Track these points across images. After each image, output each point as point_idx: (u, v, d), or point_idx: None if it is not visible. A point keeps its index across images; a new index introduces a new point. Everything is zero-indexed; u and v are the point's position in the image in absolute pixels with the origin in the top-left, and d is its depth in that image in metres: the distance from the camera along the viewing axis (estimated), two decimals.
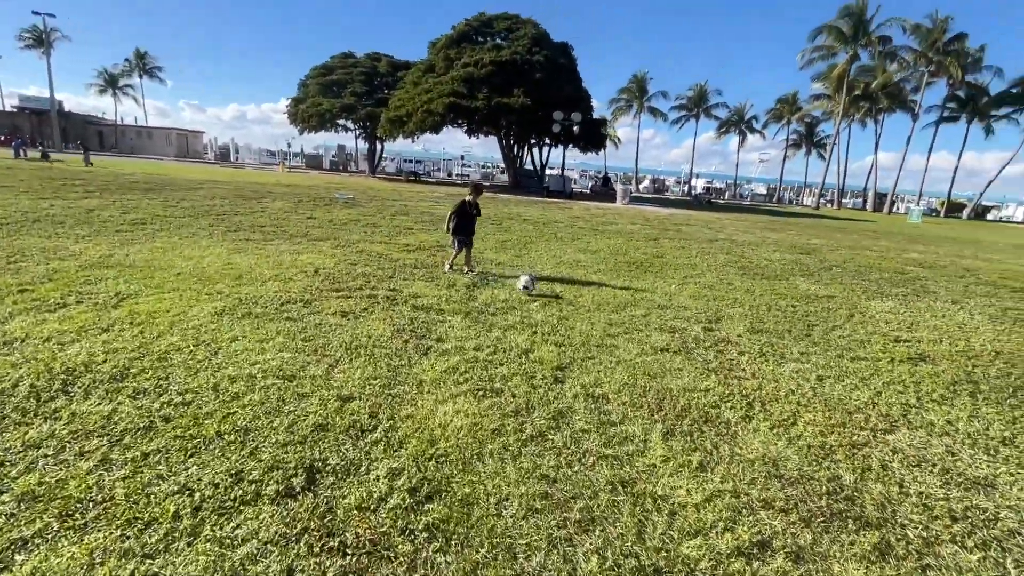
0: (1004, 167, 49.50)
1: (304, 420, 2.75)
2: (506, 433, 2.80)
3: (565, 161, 33.47)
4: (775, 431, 3.07)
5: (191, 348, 3.59)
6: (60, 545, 1.81)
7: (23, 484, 2.09)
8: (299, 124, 38.73)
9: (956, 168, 50.71)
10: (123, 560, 1.76)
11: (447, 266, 6.98)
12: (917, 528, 2.27)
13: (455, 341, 4.18)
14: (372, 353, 3.79)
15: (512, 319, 4.92)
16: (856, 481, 2.60)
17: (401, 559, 1.87)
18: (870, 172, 55.02)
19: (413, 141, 31.95)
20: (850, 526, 2.26)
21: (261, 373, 3.27)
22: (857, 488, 2.54)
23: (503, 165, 65.04)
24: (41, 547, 1.80)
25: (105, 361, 3.27)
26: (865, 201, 57.26)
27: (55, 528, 1.88)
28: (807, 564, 2.01)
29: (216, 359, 3.44)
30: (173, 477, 2.21)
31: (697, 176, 68.70)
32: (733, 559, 2.01)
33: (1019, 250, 16.55)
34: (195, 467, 2.29)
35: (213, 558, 1.80)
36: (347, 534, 1.96)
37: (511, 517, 2.14)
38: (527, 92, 27.11)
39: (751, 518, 2.26)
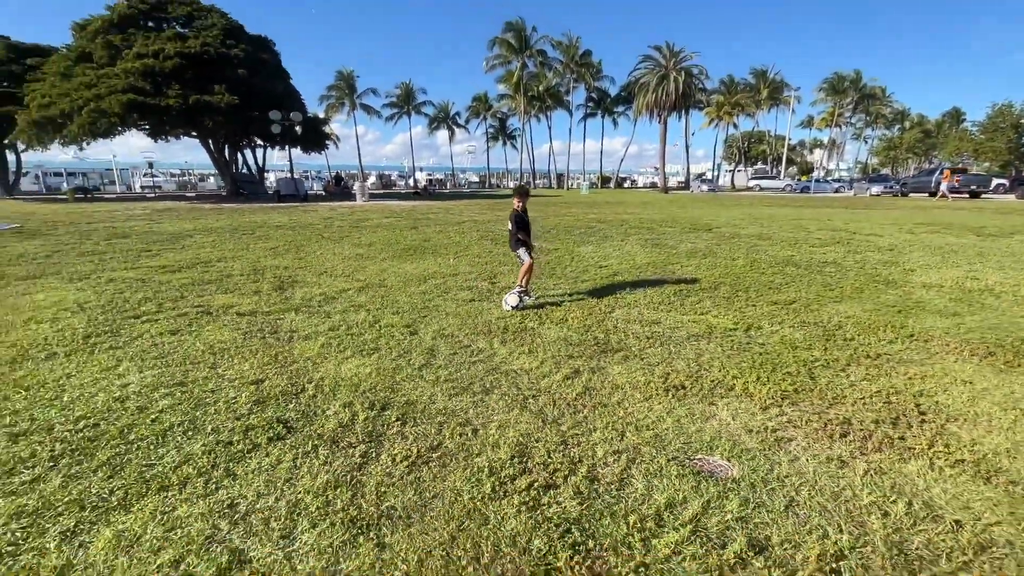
0: (627, 148, 69.11)
1: (242, 401, 3.16)
2: (405, 371, 3.77)
3: (291, 162, 31.50)
4: (559, 325, 4.86)
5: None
6: None
7: None
8: None
9: (601, 151, 68.14)
10: None
11: (528, 294, 5.71)
12: (640, 347, 4.30)
13: (308, 329, 4.73)
14: (241, 347, 4.10)
15: (341, 306, 5.60)
16: (607, 335, 4.55)
17: (394, 438, 2.78)
18: (549, 157, 68.79)
19: (80, 149, 25.07)
20: (611, 356, 4.12)
21: (136, 393, 3.35)
22: (614, 339, 4.48)
23: (203, 172, 56.01)
24: None
25: None
26: (551, 181, 71.29)
27: None
28: (607, 379, 3.74)
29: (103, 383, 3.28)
30: None
31: (420, 170, 73.12)
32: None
33: (644, 205, 24.31)
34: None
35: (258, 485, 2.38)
36: (343, 434, 2.74)
37: (447, 398, 3.23)
38: (232, 90, 24.59)
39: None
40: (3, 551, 1.90)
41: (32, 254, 8.92)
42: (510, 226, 5.64)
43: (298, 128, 27.82)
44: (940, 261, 7.93)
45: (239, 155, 36.43)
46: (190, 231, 12.62)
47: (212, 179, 52.36)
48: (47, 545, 1.93)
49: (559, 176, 69.50)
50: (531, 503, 2.21)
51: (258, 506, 2.17)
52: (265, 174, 41.26)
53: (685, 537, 2.01)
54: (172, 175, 59.95)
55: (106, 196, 34.48)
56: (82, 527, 2.03)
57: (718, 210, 20.35)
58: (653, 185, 66.52)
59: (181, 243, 10.48)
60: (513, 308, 5.34)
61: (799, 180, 54.91)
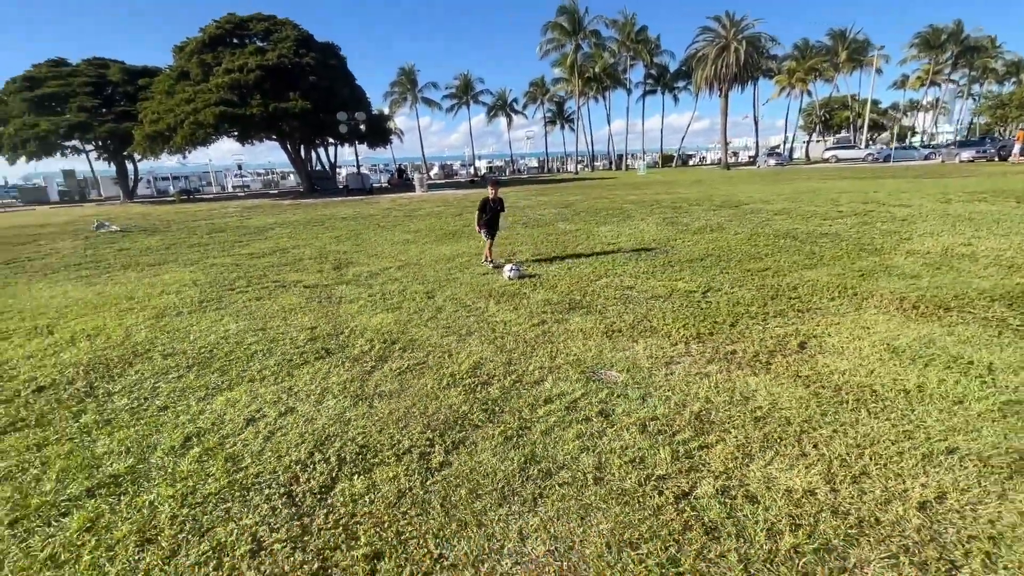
0: (689, 124, 66.68)
1: (300, 338, 4.60)
2: (415, 321, 5.07)
3: (358, 158, 34.23)
4: (548, 291, 5.95)
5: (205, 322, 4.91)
6: None
7: None
8: (6, 153, 31.11)
9: (661, 128, 66.38)
10: None
11: (490, 262, 7.41)
12: (605, 305, 5.31)
13: (353, 295, 6.16)
14: (304, 307, 5.59)
15: (381, 280, 7.01)
16: (583, 297, 5.59)
17: (395, 359, 4.07)
18: (608, 138, 68.10)
19: (184, 157, 28.99)
20: (577, 312, 5.16)
21: (234, 334, 4.89)
22: (586, 300, 5.51)
23: (284, 171, 60.93)
24: None
25: None
26: (610, 163, 70.50)
27: None
28: (564, 326, 4.82)
29: (212, 329, 4.88)
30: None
31: (480, 158, 74.92)
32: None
33: (694, 184, 24.21)
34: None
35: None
36: (362, 357, 4.06)
37: (439, 337, 4.48)
38: (304, 96, 27.22)
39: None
40: (168, 405, 3.38)
41: (155, 247, 11.22)
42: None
43: (362, 127, 30.20)
44: (948, 229, 8.06)
45: (313, 153, 39.84)
46: (272, 224, 14.81)
47: (292, 177, 57.17)
48: (190, 403, 3.40)
49: (619, 157, 68.63)
50: (469, 391, 3.40)
51: (305, 389, 3.54)
52: (337, 169, 44.73)
53: (559, 408, 3.12)
54: (258, 174, 65.95)
55: (205, 196, 39.18)
56: (207, 396, 3.49)
57: (766, 186, 20.06)
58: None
59: (265, 235, 12.54)
60: (510, 278, 6.49)
61: (883, 148, 50.71)
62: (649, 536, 2.04)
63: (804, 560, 1.89)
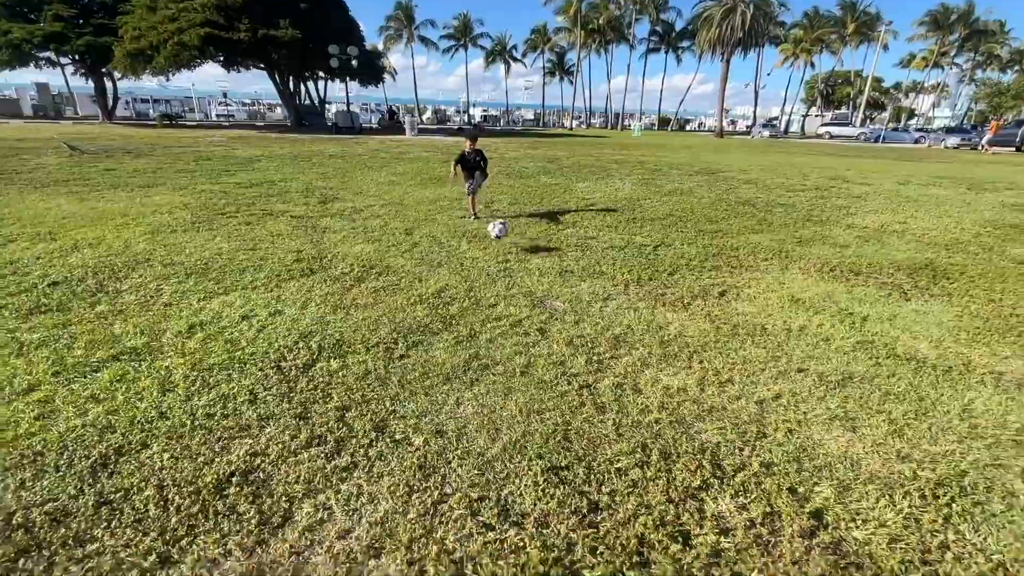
0: (689, 87, 65.67)
1: (288, 259, 5.12)
2: (393, 252, 5.61)
3: (348, 96, 33.43)
4: (516, 236, 6.50)
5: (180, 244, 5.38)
6: None
7: None
8: None
9: (661, 90, 65.27)
10: None
11: (473, 215, 7.38)
12: (564, 250, 5.89)
13: (337, 227, 6.64)
14: (291, 234, 6.08)
15: (364, 215, 7.47)
16: (547, 243, 6.15)
17: (371, 280, 4.64)
18: (608, 96, 66.84)
19: (167, 79, 28.02)
20: (539, 254, 5.74)
21: (226, 251, 5.39)
22: (550, 245, 6.08)
23: (271, 102, 58.92)
24: None
25: None
26: (607, 121, 69.54)
27: None
28: (524, 264, 5.41)
29: (201, 248, 5.36)
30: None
31: (475, 105, 73.08)
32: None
33: (681, 149, 24.48)
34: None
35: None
36: (342, 276, 4.62)
37: (412, 266, 5.04)
38: (294, 23, 26.25)
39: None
40: (172, 302, 3.94)
41: (143, 170, 11.37)
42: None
43: (354, 62, 29.37)
44: (892, 208, 8.75)
45: (303, 87, 38.63)
46: (259, 156, 14.89)
47: (279, 109, 55.36)
48: (192, 302, 3.95)
49: (616, 115, 67.69)
50: (432, 308, 4.02)
51: (291, 297, 4.11)
52: (327, 106, 43.54)
53: (505, 324, 3.75)
54: (244, 104, 63.63)
55: (188, 123, 38.00)
56: (206, 297, 4.05)
57: (749, 156, 20.50)
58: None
59: (252, 166, 12.70)
60: (497, 236, 5.91)
61: (876, 128, 51.00)
62: (553, 408, 2.71)
63: (660, 427, 2.58)
